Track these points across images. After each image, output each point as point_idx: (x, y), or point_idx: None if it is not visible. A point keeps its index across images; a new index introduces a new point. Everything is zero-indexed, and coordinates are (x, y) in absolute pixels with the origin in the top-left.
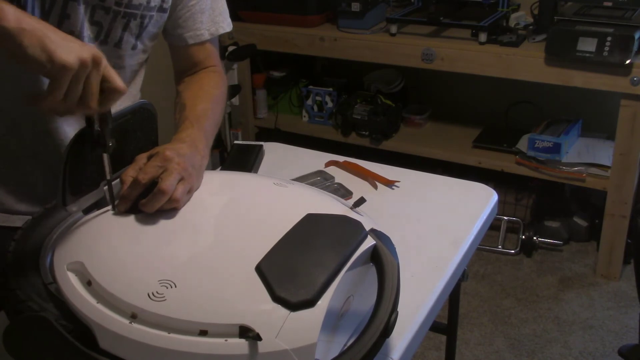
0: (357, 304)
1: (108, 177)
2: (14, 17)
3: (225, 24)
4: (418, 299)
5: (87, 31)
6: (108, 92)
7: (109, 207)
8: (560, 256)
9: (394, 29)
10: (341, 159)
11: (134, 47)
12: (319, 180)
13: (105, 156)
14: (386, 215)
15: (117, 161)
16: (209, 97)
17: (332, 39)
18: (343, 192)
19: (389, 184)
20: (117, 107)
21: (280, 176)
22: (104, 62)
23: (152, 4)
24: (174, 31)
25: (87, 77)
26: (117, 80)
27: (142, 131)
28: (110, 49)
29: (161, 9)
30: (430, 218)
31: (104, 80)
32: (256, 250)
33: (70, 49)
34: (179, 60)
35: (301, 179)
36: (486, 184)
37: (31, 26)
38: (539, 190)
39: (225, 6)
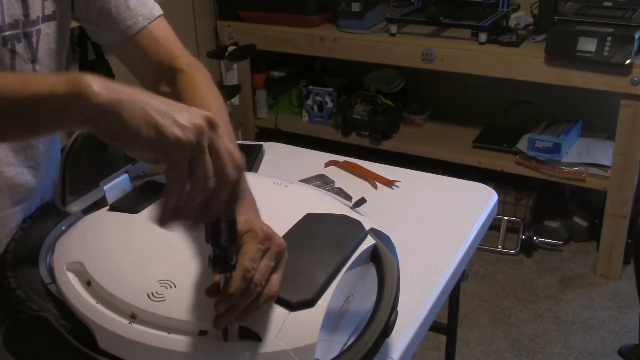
0: (357, 303)
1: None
2: (104, 89)
3: (157, 6)
4: (418, 298)
5: None
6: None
7: (108, 207)
8: (560, 256)
9: (394, 29)
10: (341, 159)
11: None
12: (319, 184)
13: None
14: (386, 215)
15: (114, 161)
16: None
17: (332, 39)
18: (343, 197)
19: (389, 184)
20: None
21: (280, 176)
22: (217, 119)
23: (33, 16)
24: (110, 32)
25: (210, 146)
26: (235, 152)
27: None
28: None
29: (46, 19)
30: (430, 218)
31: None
32: None
33: (180, 116)
34: (137, 66)
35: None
36: (486, 184)
37: (128, 95)
38: (539, 190)
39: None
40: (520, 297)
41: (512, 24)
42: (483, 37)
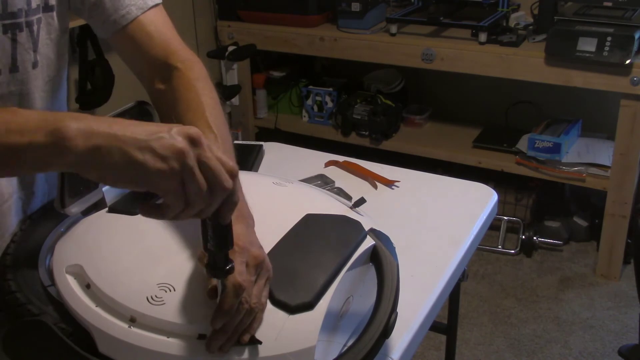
0: (356, 304)
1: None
2: (82, 137)
3: None
4: (418, 299)
5: None
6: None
7: (107, 209)
8: (560, 256)
9: (394, 29)
10: (341, 158)
11: (34, 66)
12: (319, 183)
13: (219, 282)
14: (386, 215)
15: None
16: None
17: (332, 39)
18: (343, 196)
19: (389, 184)
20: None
21: (280, 176)
22: (200, 133)
23: (34, 4)
24: (104, 24)
25: (199, 161)
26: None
27: None
28: (5, 78)
29: (46, 8)
30: (430, 218)
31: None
32: None
33: (159, 146)
34: (131, 61)
35: None
36: (486, 184)
37: (104, 138)
38: (539, 190)
39: None
40: (520, 297)
41: (512, 24)
42: (483, 37)
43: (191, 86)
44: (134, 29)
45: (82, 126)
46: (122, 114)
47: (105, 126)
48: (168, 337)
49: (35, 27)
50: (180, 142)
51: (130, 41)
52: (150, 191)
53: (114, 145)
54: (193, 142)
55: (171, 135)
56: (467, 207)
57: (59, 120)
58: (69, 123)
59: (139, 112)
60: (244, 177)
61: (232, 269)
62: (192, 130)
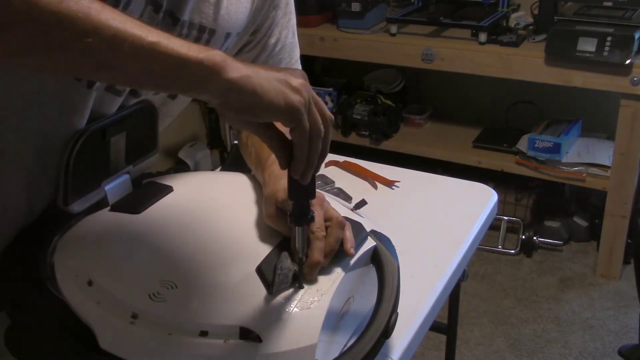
0: (357, 304)
1: (300, 255)
2: (229, 66)
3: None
4: (418, 299)
5: None
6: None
7: (109, 207)
8: (560, 256)
9: (394, 29)
10: (341, 159)
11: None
12: (320, 184)
13: (300, 230)
14: (386, 215)
15: (115, 162)
16: None
17: (332, 39)
18: (343, 197)
19: (389, 184)
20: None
21: None
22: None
23: None
24: None
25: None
26: (325, 107)
27: (142, 131)
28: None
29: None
30: (430, 218)
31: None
32: (257, 251)
33: (293, 81)
34: None
35: None
36: (486, 184)
37: (252, 71)
38: (539, 190)
39: (299, 52)
40: (520, 297)
41: (512, 24)
42: (483, 37)
43: None
44: None
45: (229, 59)
46: (125, 115)
47: (245, 64)
48: (170, 334)
49: None
50: (303, 78)
51: None
52: (285, 118)
53: (261, 75)
54: (306, 85)
55: (295, 73)
56: (467, 207)
57: (215, 50)
58: (226, 55)
59: (142, 113)
60: (244, 178)
61: (313, 218)
62: (302, 71)
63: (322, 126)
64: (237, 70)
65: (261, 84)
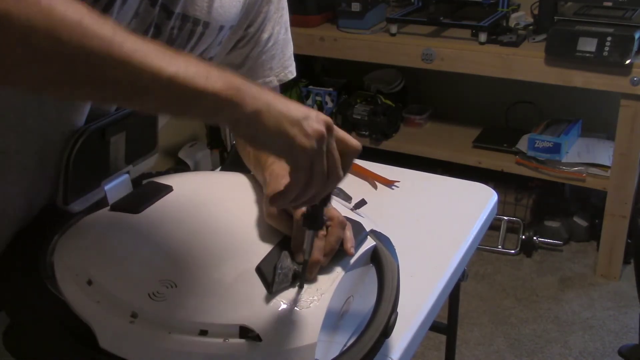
0: (357, 304)
1: (306, 257)
2: (249, 96)
3: (293, 69)
4: (418, 299)
5: None
6: (344, 156)
7: (109, 207)
8: (560, 256)
9: (394, 29)
10: None
11: None
12: None
13: (310, 233)
14: (386, 215)
15: (115, 161)
16: None
17: (332, 39)
18: (343, 197)
19: (389, 184)
20: None
21: None
22: (332, 123)
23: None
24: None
25: (327, 148)
26: (351, 139)
27: (142, 131)
28: None
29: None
30: (430, 218)
31: (338, 143)
32: (257, 251)
33: (307, 125)
34: None
35: None
36: (486, 184)
37: (266, 106)
38: (539, 190)
39: (292, 49)
40: (520, 297)
41: (512, 24)
42: (483, 37)
43: None
44: None
45: (250, 87)
46: (125, 115)
47: (265, 94)
48: (169, 333)
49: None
50: (321, 126)
51: None
52: (286, 160)
53: (272, 112)
54: (329, 129)
55: (317, 119)
56: (467, 207)
57: (237, 80)
58: (245, 84)
59: (142, 113)
60: (244, 178)
61: (324, 223)
62: (329, 119)
63: (322, 182)
64: (251, 104)
65: (269, 123)
